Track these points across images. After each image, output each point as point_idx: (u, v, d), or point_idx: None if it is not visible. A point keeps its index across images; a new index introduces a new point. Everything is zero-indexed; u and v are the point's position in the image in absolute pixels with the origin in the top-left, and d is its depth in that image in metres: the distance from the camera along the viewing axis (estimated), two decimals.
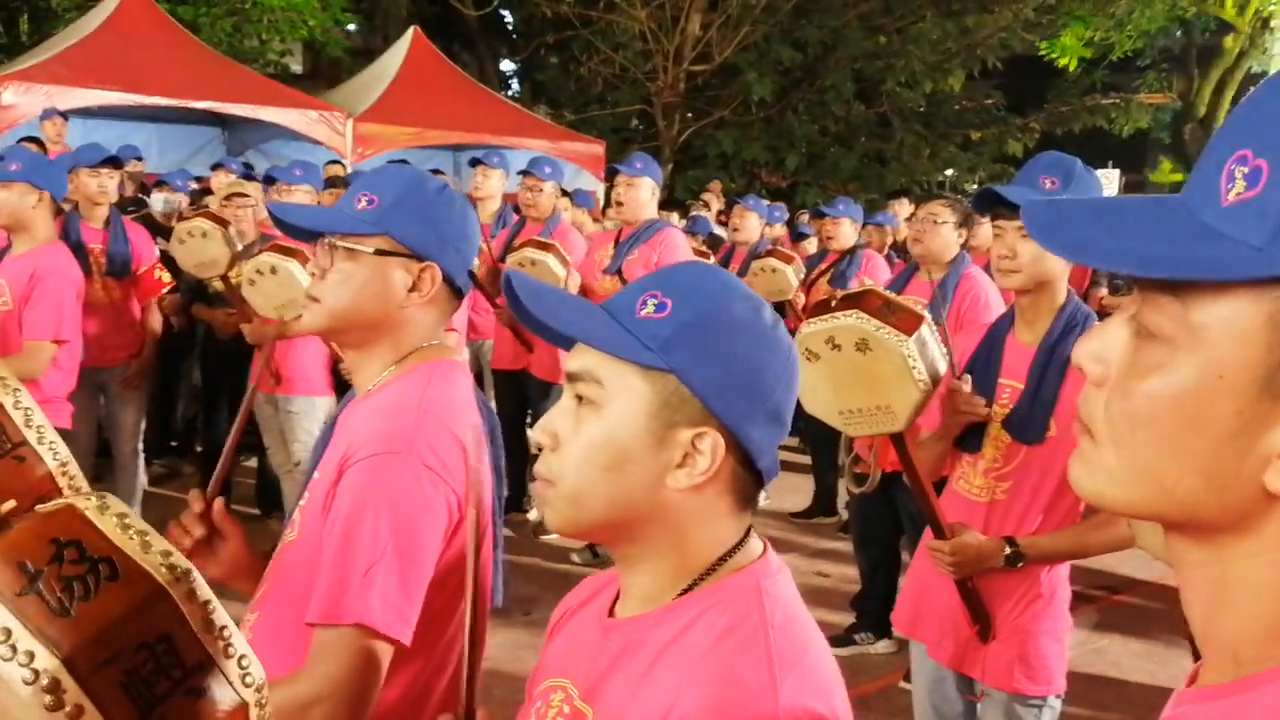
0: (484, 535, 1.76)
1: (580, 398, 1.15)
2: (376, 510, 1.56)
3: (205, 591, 0.97)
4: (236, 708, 0.98)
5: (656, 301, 1.14)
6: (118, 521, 0.95)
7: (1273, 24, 19.39)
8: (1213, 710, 0.72)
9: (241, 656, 0.99)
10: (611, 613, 1.23)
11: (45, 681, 0.86)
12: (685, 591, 1.15)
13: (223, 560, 1.80)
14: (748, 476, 1.17)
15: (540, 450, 1.19)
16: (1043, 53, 17.58)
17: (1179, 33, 20.64)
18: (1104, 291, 7.55)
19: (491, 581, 1.86)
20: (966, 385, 2.62)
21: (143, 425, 5.59)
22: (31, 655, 0.86)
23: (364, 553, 1.54)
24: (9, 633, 0.87)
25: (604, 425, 1.13)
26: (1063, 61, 17.78)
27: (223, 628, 0.97)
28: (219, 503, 1.78)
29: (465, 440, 1.67)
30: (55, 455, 1.68)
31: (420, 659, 1.66)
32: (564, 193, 7.49)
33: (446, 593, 1.67)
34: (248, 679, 1.00)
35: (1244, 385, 0.66)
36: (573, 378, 1.16)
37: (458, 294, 1.81)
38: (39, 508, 0.98)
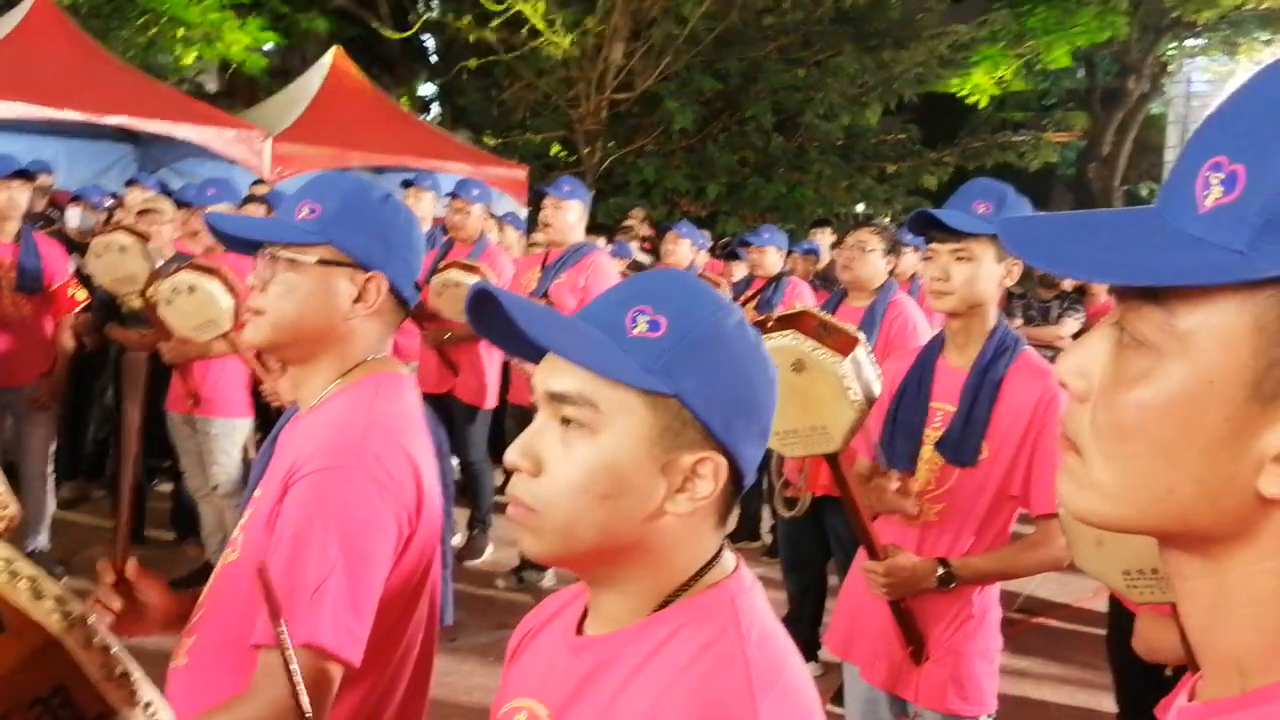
0: (434, 553, 1.72)
1: (568, 420, 1.09)
2: (325, 526, 1.51)
3: (104, 637, 0.91)
4: None
5: (648, 319, 1.08)
6: (4, 567, 0.90)
7: (1170, 68, 20.12)
8: None
9: (148, 704, 0.94)
10: (580, 630, 1.20)
11: None
12: (660, 608, 1.12)
13: (150, 619, 1.72)
14: (733, 492, 1.14)
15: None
16: (955, 90, 18.02)
17: (1081, 74, 21.33)
18: (1018, 321, 7.70)
19: (441, 599, 1.81)
20: (894, 482, 2.61)
21: (53, 447, 5.42)
22: None
23: (312, 570, 1.49)
24: None
25: (601, 451, 1.07)
26: (974, 99, 18.23)
27: (124, 674, 0.92)
28: (132, 564, 1.69)
29: (415, 454, 1.64)
30: None
31: (369, 679, 1.61)
32: (495, 217, 7.45)
33: (397, 611, 1.63)
34: None
35: (1232, 390, 0.66)
36: (559, 399, 1.09)
37: (404, 305, 1.77)
38: None
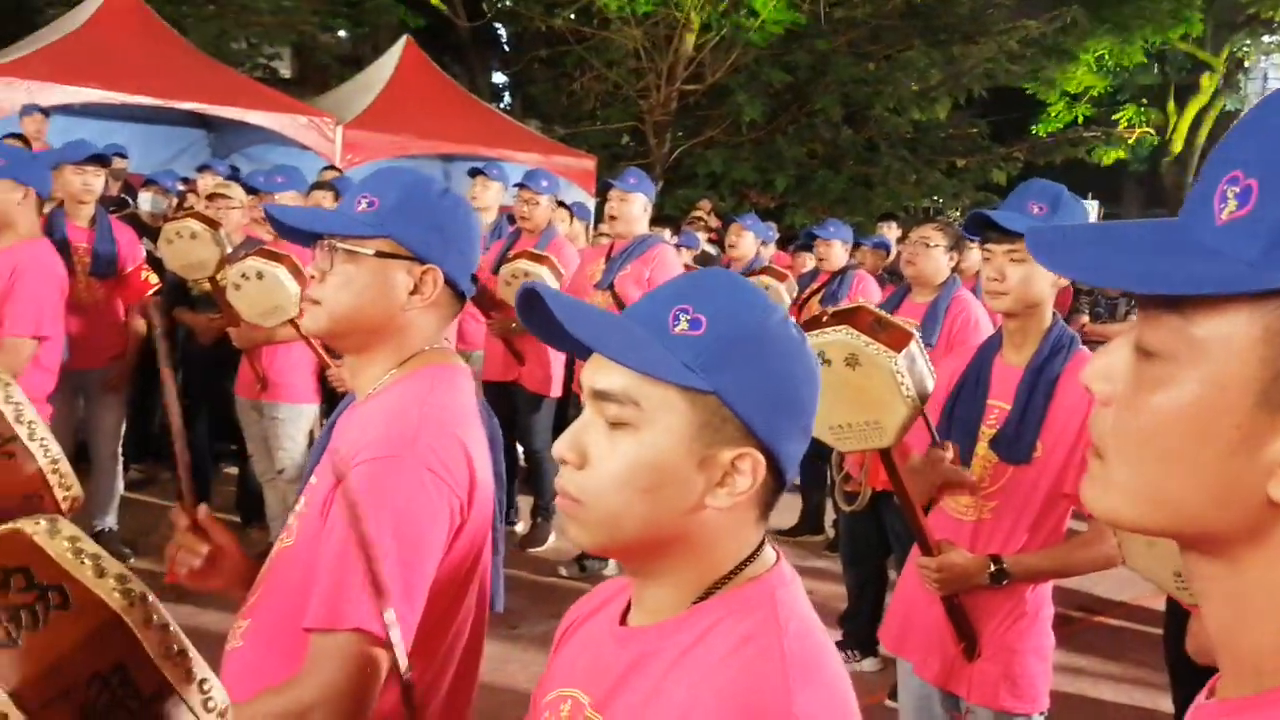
0: (485, 542, 1.74)
1: (611, 416, 1.12)
2: (378, 514, 1.53)
3: (163, 616, 0.94)
4: None
5: (689, 317, 1.11)
6: (69, 545, 0.92)
7: (1246, 64, 19.69)
8: None
9: (203, 681, 0.96)
10: (623, 621, 1.22)
11: None
12: (700, 600, 1.14)
13: (223, 570, 1.75)
14: (774, 486, 1.16)
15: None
16: (1025, 87, 17.78)
17: (1156, 70, 20.95)
18: (1085, 319, 7.60)
19: (492, 587, 1.84)
20: (949, 453, 2.62)
21: (123, 429, 5.53)
22: None
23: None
24: None
25: (642, 447, 1.10)
26: (1044, 95, 17.99)
27: (181, 652, 0.94)
28: (203, 510, 1.72)
29: (468, 444, 1.66)
30: (46, 452, 1.65)
31: (419, 665, 1.63)
32: (564, 205, 7.48)
33: (447, 598, 1.65)
34: (210, 703, 0.97)
35: (1243, 398, 0.68)
36: (603, 396, 1.12)
37: (461, 297, 1.79)
38: None
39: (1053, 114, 18.49)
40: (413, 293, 1.72)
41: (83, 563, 0.91)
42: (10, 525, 0.94)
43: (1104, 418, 0.76)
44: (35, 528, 0.93)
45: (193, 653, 0.96)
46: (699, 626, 1.11)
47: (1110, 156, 17.89)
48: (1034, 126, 18.27)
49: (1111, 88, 19.96)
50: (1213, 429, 0.69)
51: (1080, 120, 18.80)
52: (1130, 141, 18.82)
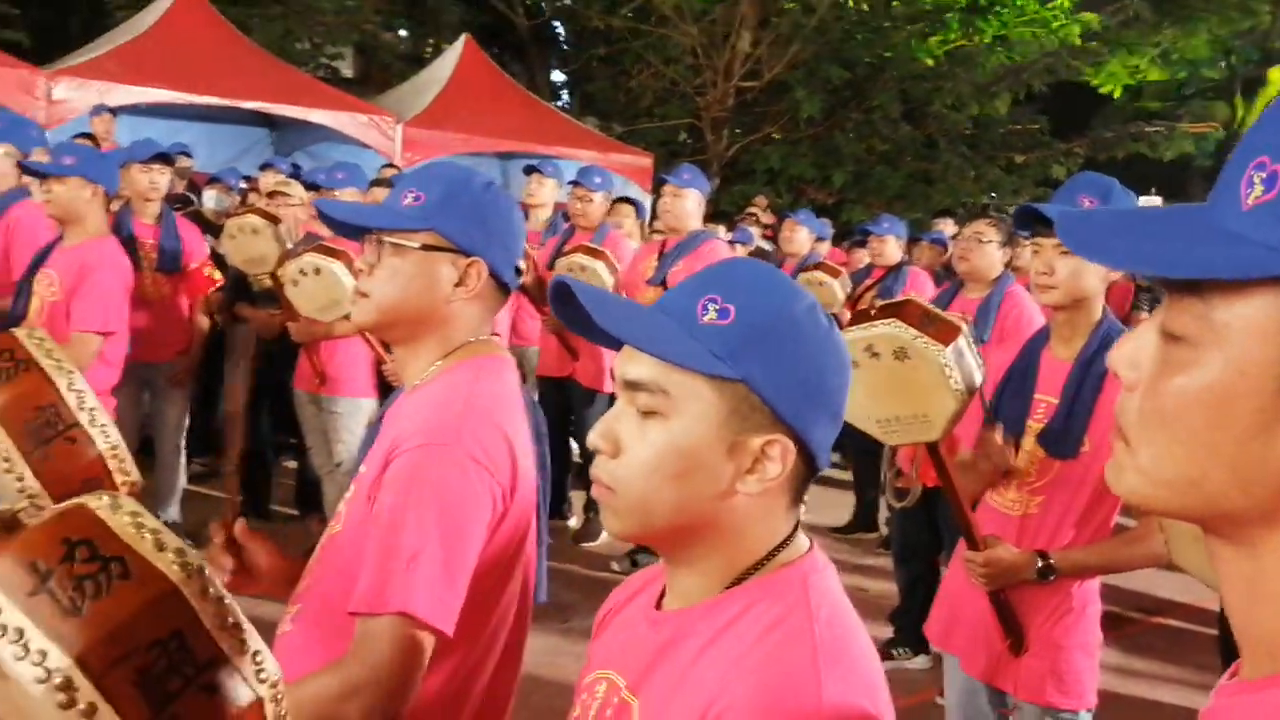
0: (527, 531, 1.77)
1: (642, 406, 1.14)
2: (421, 501, 1.57)
3: (218, 589, 0.97)
4: (252, 704, 0.98)
5: (718, 307, 1.12)
6: (130, 520, 0.96)
7: None
8: (1248, 703, 0.73)
9: (256, 652, 0.99)
10: (659, 606, 1.24)
11: (58, 680, 0.87)
12: (733, 585, 1.15)
13: (259, 578, 1.80)
14: (805, 473, 1.17)
15: (593, 454, 1.19)
16: (1088, 79, 17.48)
17: (1223, 63, 20.51)
18: (1145, 314, 7.49)
19: (536, 576, 1.87)
20: (998, 435, 2.62)
21: (186, 423, 5.63)
22: (44, 654, 0.87)
23: (409, 542, 1.55)
24: (21, 632, 0.88)
25: (672, 435, 1.12)
26: (1107, 89, 17.67)
27: (235, 624, 0.97)
28: (240, 525, 1.77)
29: (511, 434, 1.69)
30: (106, 438, 1.71)
31: (461, 651, 1.67)
32: (631, 202, 7.49)
33: (489, 584, 1.68)
34: (262, 674, 1.00)
35: (1264, 382, 0.68)
36: (634, 386, 1.14)
37: (504, 290, 1.82)
38: (51, 507, 1.00)
39: (1115, 108, 18.16)
40: (457, 285, 1.75)
41: (143, 537, 0.95)
42: (75, 500, 0.98)
43: (1129, 402, 0.76)
44: (99, 503, 0.97)
45: (246, 625, 0.99)
46: (731, 611, 1.13)
47: (1174, 151, 17.54)
48: (1094, 122, 17.95)
49: (1176, 81, 19.57)
50: (1234, 412, 0.69)
51: (1143, 113, 18.44)
52: (1193, 136, 18.44)
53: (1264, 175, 0.69)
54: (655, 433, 1.13)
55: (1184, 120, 18.33)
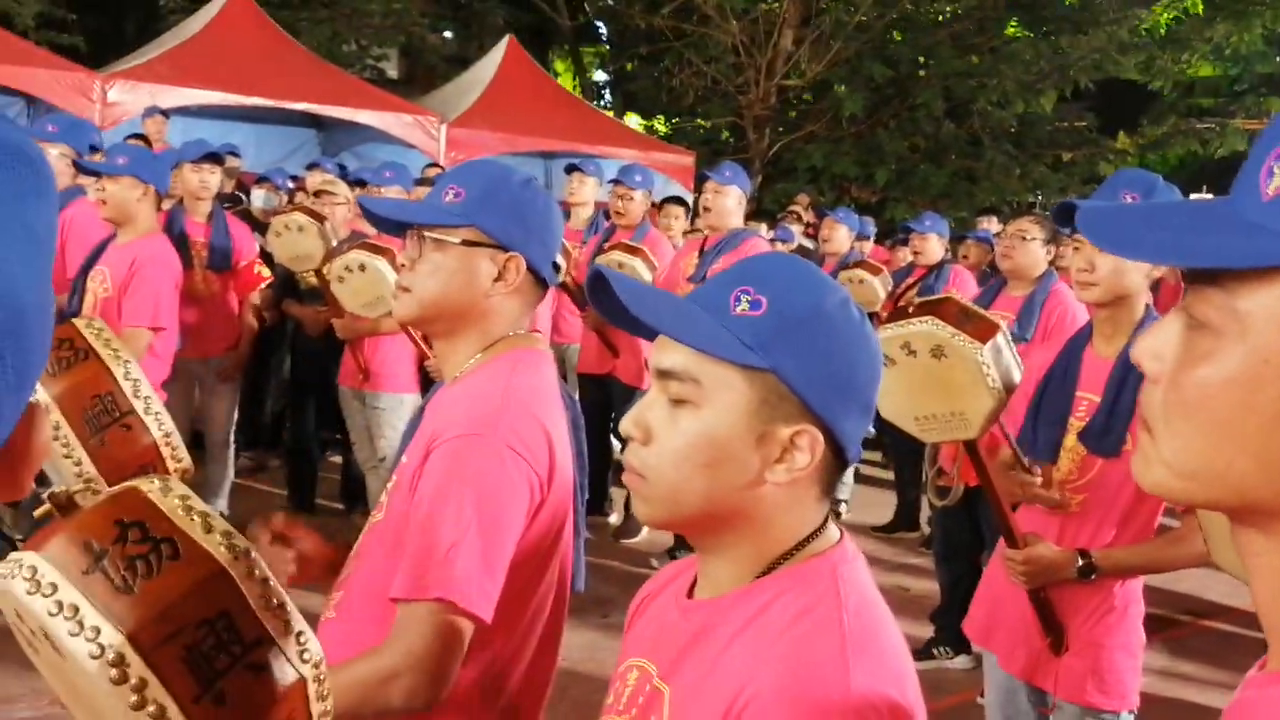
0: (565, 521, 1.80)
1: (674, 394, 1.16)
2: (460, 490, 1.60)
3: (264, 570, 1.00)
4: (295, 683, 1.02)
5: (750, 298, 1.14)
6: (180, 503, 0.99)
7: None
8: (1275, 694, 0.73)
9: (299, 633, 1.03)
10: (690, 595, 1.25)
11: (110, 656, 0.90)
12: (764, 574, 1.17)
13: (306, 567, 1.84)
14: (835, 464, 1.19)
15: (627, 442, 1.20)
16: (1136, 76, 17.18)
17: (1279, 57, 20.09)
18: None
19: (574, 567, 1.89)
20: (1038, 479, 2.60)
21: (235, 417, 5.72)
22: (97, 631, 0.91)
23: (448, 530, 1.58)
24: (76, 609, 0.91)
25: (702, 424, 1.14)
26: (1157, 85, 17.37)
27: (280, 605, 1.01)
28: (278, 518, 1.81)
29: (549, 425, 1.71)
30: (160, 425, 1.77)
31: (500, 639, 1.70)
32: (679, 202, 7.50)
33: (527, 573, 1.70)
34: (305, 655, 1.03)
35: None
36: (666, 374, 1.16)
37: (542, 285, 1.85)
38: (105, 490, 1.04)
39: (1166, 105, 17.78)
40: (496, 280, 1.78)
41: (193, 519, 0.99)
42: (128, 484, 1.02)
43: (1154, 394, 0.77)
44: (150, 486, 1.01)
45: (291, 606, 1.03)
46: (760, 600, 1.15)
47: (1227, 148, 17.21)
48: (1144, 119, 17.61)
49: (1229, 76, 19.19)
50: (1255, 401, 0.69)
51: (1194, 110, 18.06)
52: (1247, 133, 18.08)
53: None
54: (686, 421, 1.15)
55: (1237, 116, 17.94)
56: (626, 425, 1.19)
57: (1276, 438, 0.69)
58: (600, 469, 6.15)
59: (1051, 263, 4.62)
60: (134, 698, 0.91)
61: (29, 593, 0.92)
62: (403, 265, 1.81)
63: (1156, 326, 0.78)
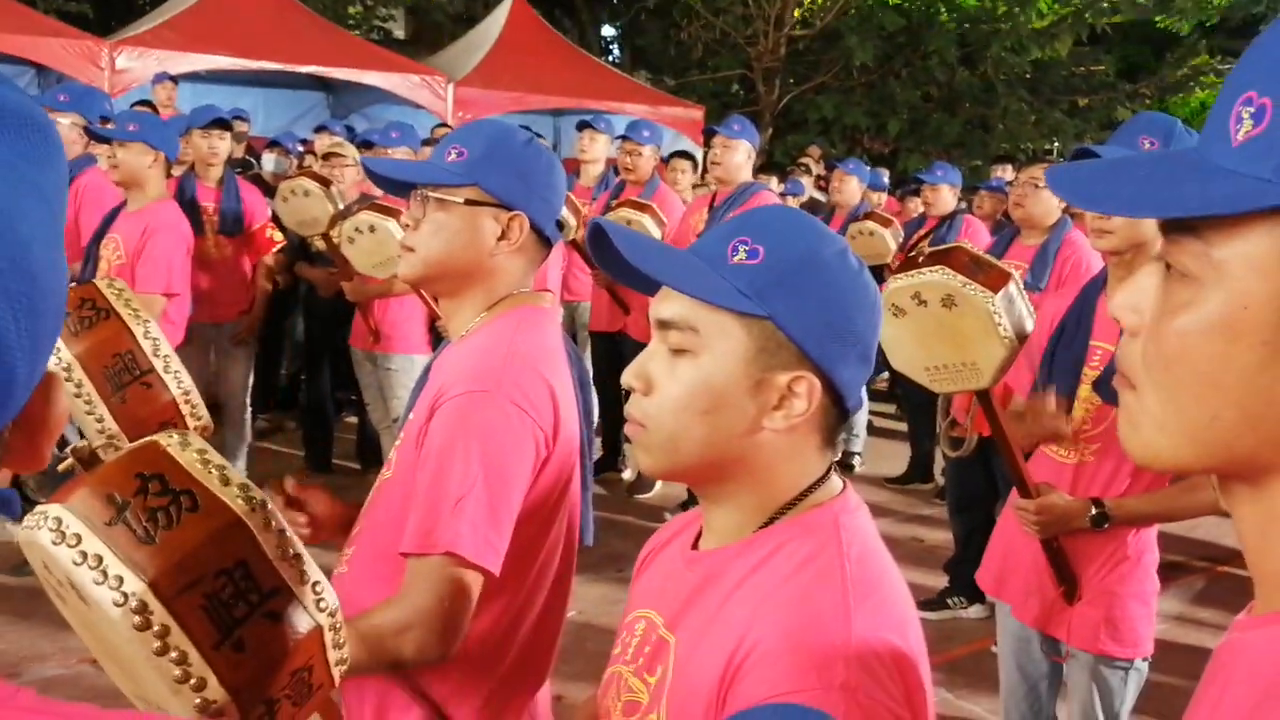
0: (571, 476, 1.81)
1: (673, 344, 1.17)
2: (467, 445, 1.61)
3: (280, 522, 1.03)
4: (312, 630, 1.05)
5: (748, 248, 1.15)
6: (198, 457, 1.02)
7: None
8: (1262, 636, 0.73)
9: (315, 583, 1.05)
10: (695, 547, 1.27)
11: (134, 604, 0.93)
12: (766, 525, 1.18)
13: (320, 526, 1.86)
14: (835, 414, 1.19)
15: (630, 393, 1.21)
16: (1156, 19, 16.90)
17: None
18: None
19: (581, 521, 1.91)
20: (1050, 402, 2.58)
21: (250, 380, 5.75)
22: (121, 580, 0.93)
23: (455, 485, 1.59)
24: (100, 559, 0.94)
25: (701, 371, 1.15)
26: (1176, 26, 17.10)
27: (296, 555, 1.03)
28: (289, 481, 1.82)
29: (553, 381, 1.72)
30: (179, 384, 1.80)
31: (508, 592, 1.71)
32: (689, 157, 7.45)
33: (534, 527, 1.72)
34: (321, 604, 1.06)
35: (1267, 315, 0.68)
36: (665, 324, 1.17)
37: (546, 243, 1.85)
38: (126, 445, 1.06)
39: (1186, 46, 17.43)
40: (500, 238, 1.78)
41: (210, 472, 1.02)
42: (148, 439, 1.04)
43: (1133, 347, 0.76)
44: (169, 440, 1.04)
45: (306, 557, 1.06)
46: (763, 550, 1.16)
47: None
48: (1163, 62, 17.29)
49: (1252, 15, 18.84)
50: (1236, 348, 0.69)
51: (1216, 51, 17.76)
52: None
53: (1251, 110, 0.68)
54: (685, 369, 1.16)
55: None
56: (627, 377, 1.20)
57: (1259, 384, 0.69)
58: (613, 426, 6.16)
59: (1066, 210, 4.57)
60: (157, 644, 0.94)
61: (55, 543, 0.95)
62: (407, 225, 1.81)
63: (1133, 279, 0.78)
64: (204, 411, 1.85)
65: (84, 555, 0.94)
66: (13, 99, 0.69)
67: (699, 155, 10.07)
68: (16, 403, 0.67)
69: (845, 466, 6.72)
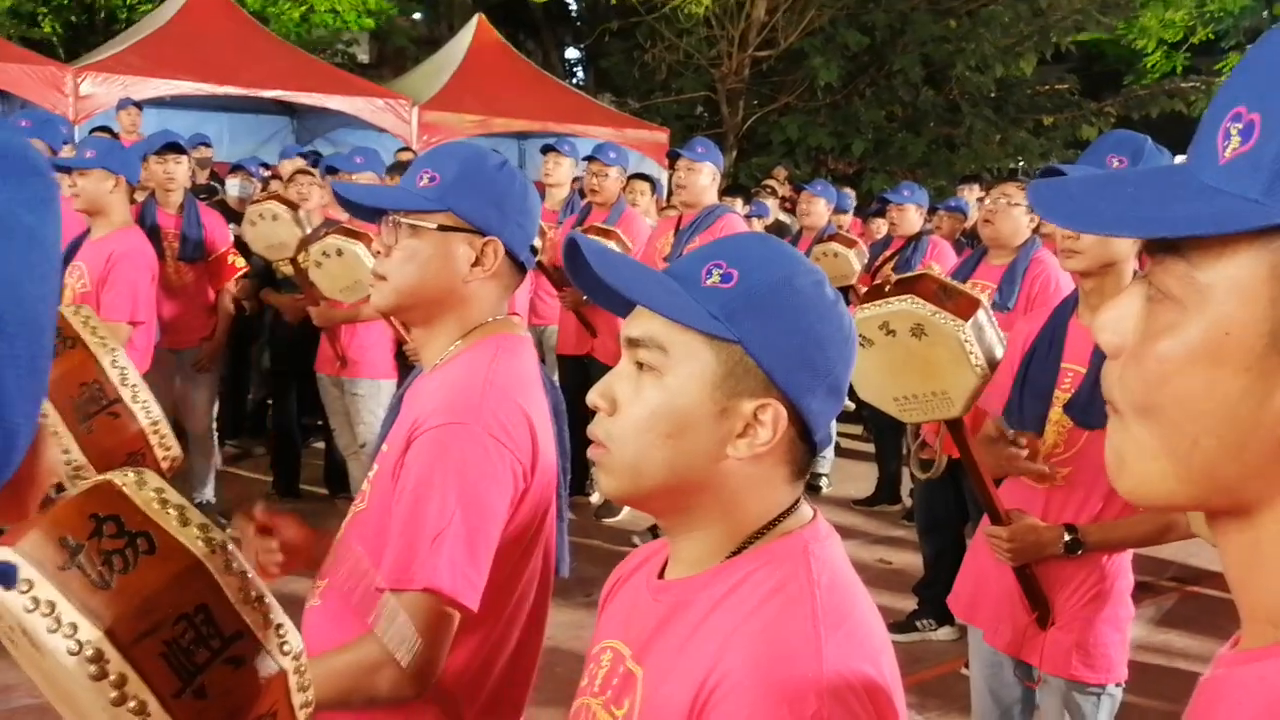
0: (549, 507, 1.79)
1: (641, 364, 1.15)
2: (444, 479, 1.59)
3: (242, 563, 0.99)
4: (276, 675, 1.01)
5: (722, 272, 1.14)
6: (155, 496, 0.98)
7: None
8: (1249, 673, 0.71)
9: (279, 625, 1.02)
10: (661, 576, 1.25)
11: (89, 652, 0.89)
12: (734, 554, 1.16)
13: (291, 556, 1.84)
14: (803, 447, 1.17)
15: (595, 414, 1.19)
16: (1120, 33, 17.01)
17: (1265, 13, 20.00)
18: None
19: (557, 552, 1.88)
20: (1024, 451, 2.54)
21: (215, 406, 5.70)
22: (75, 627, 0.90)
23: (432, 520, 1.57)
24: (53, 606, 0.91)
25: (666, 393, 1.13)
26: (1140, 44, 17.26)
27: (259, 597, 1.00)
28: (260, 509, 1.81)
29: (531, 412, 1.70)
30: (148, 413, 1.76)
31: (485, 627, 1.69)
32: (648, 179, 7.46)
33: (512, 560, 1.70)
34: (285, 647, 1.02)
35: (1251, 341, 0.66)
36: (634, 343, 1.16)
37: (520, 269, 1.83)
38: (79, 484, 1.02)
39: (1149, 64, 17.53)
40: (474, 265, 1.76)
41: (168, 512, 0.98)
42: (102, 477, 1.01)
43: (1113, 371, 0.74)
44: (124, 479, 1.00)
45: (270, 599, 1.02)
46: (731, 579, 1.14)
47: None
48: (1128, 79, 17.37)
49: (1214, 34, 19.00)
50: (1219, 374, 0.67)
51: (1179, 70, 17.87)
52: None
53: (1240, 126, 0.66)
54: (650, 390, 1.14)
55: (1223, 76, 17.85)
56: (593, 396, 1.19)
57: (1241, 411, 0.67)
58: (581, 449, 6.12)
59: (1035, 230, 4.57)
60: (114, 693, 0.90)
61: (4, 589, 0.92)
62: (378, 252, 1.79)
63: (1115, 301, 0.75)
64: (173, 442, 1.81)
65: (36, 601, 0.91)
66: (13, 143, 0.67)
67: (663, 177, 10.09)
68: (16, 462, 0.66)
69: (812, 488, 6.71)
